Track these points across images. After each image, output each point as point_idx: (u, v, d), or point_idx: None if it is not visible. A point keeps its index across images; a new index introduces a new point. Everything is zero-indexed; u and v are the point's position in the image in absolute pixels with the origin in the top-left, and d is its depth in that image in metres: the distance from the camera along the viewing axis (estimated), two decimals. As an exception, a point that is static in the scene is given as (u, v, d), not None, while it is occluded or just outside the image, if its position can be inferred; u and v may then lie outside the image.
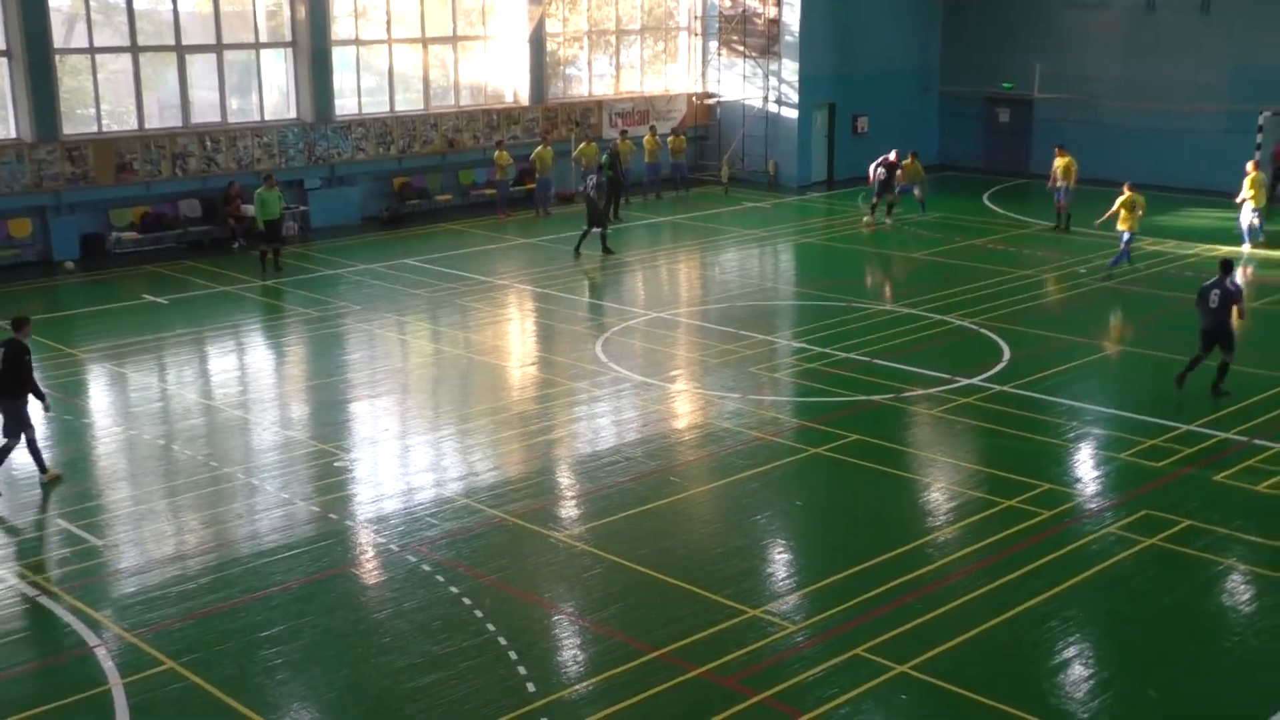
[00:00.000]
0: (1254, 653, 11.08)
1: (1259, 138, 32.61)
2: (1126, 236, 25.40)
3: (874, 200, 30.44)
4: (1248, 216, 27.45)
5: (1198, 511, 13.80)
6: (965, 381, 18.33)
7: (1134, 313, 22.67)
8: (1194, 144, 34.11)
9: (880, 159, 30.61)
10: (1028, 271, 25.58)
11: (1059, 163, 29.24)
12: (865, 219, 30.19)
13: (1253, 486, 14.43)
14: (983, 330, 21.13)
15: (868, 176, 30.96)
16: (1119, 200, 25.59)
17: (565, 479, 15.14)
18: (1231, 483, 14.58)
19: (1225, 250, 27.12)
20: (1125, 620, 11.66)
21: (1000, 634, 11.30)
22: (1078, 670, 10.79)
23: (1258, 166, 27.97)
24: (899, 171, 30.47)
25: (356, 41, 31.09)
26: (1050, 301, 23.57)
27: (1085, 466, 15.42)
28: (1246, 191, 27.28)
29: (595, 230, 27.11)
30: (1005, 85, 37.78)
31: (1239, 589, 12.28)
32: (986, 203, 33.32)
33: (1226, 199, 31.90)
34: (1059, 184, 29.26)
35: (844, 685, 10.46)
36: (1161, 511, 13.76)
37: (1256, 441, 15.79)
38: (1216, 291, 17.41)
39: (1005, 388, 18.08)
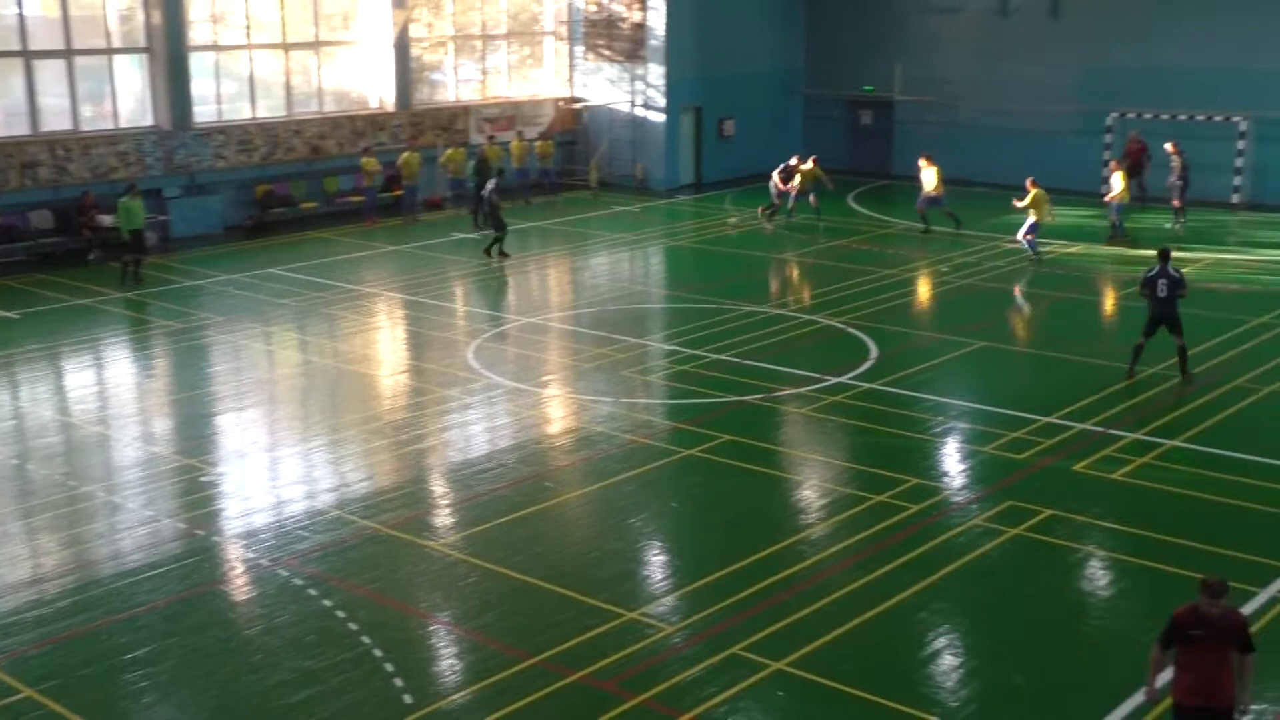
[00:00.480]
0: (1114, 635, 11.43)
1: (1107, 138, 33.73)
2: (1032, 225, 26.48)
3: (774, 204, 30.48)
4: (1115, 213, 28.47)
5: (1058, 501, 14.18)
6: (834, 380, 18.60)
7: (995, 309, 23.23)
8: (1047, 144, 35.08)
9: (783, 165, 30.65)
10: (892, 271, 26.07)
11: (930, 171, 29.42)
12: (766, 225, 30.08)
13: (1108, 475, 14.89)
14: (850, 329, 21.45)
15: (770, 182, 30.73)
16: (1031, 195, 26.46)
17: (439, 487, 15.00)
18: (1089, 472, 15.03)
19: (1079, 249, 27.98)
20: (993, 609, 11.94)
21: (873, 628, 11.49)
22: (948, 660, 11.02)
23: (1121, 166, 28.86)
24: (797, 177, 30.29)
25: (215, 47, 30.43)
26: (915, 300, 24.05)
27: (951, 460, 15.75)
28: (1116, 188, 28.20)
29: (502, 234, 27.12)
30: (867, 88, 38.46)
31: (1098, 574, 12.67)
32: (851, 204, 33.89)
33: (1079, 197, 32.95)
34: (933, 193, 29.45)
35: (722, 684, 10.53)
36: (1024, 502, 14.13)
37: (1111, 432, 16.30)
38: (1164, 280, 18.04)
39: (873, 385, 18.38)
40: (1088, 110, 34.49)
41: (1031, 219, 26.55)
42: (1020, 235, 26.88)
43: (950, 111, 37.12)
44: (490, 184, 27.56)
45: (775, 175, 30.62)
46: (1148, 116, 33.19)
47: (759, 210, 30.98)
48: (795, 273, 26.64)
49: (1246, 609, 11.48)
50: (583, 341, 20.96)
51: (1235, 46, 32.34)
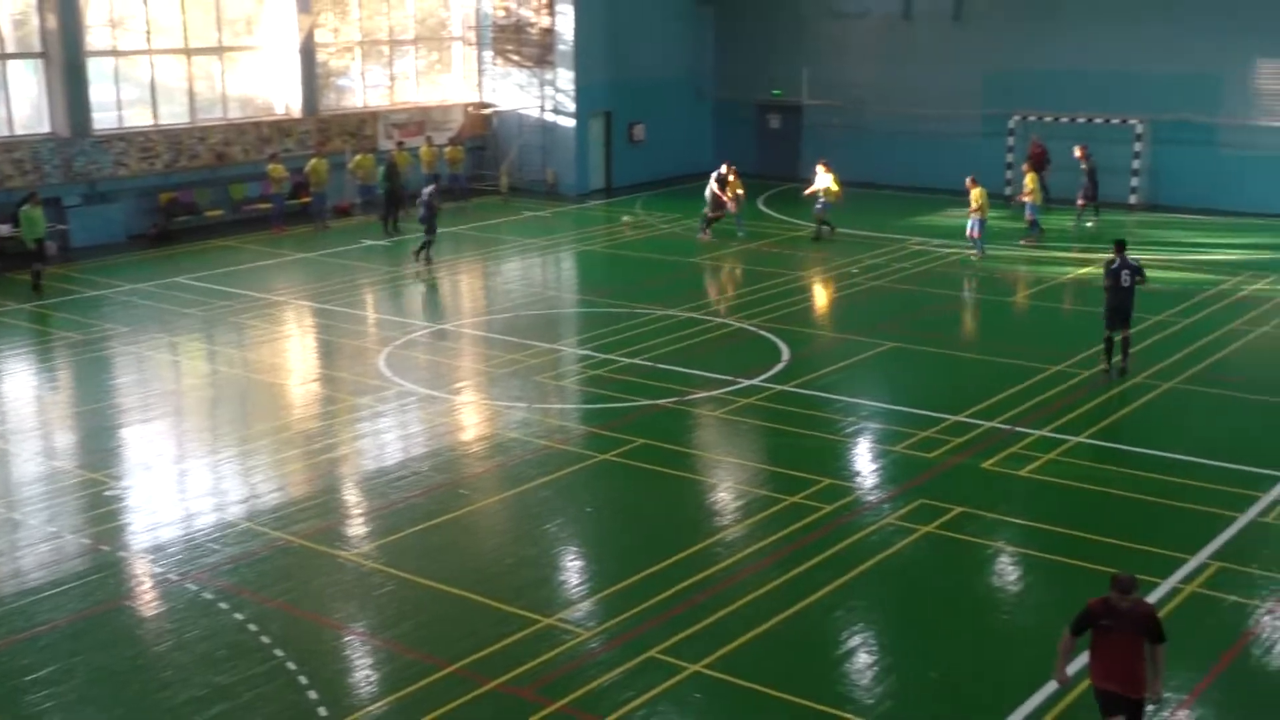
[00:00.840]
0: (1023, 629, 11.63)
1: (1010, 141, 34.28)
2: (980, 222, 27.10)
3: (709, 215, 29.63)
4: (1029, 213, 28.99)
5: (968, 498, 14.39)
6: (747, 382, 18.71)
7: (904, 309, 23.52)
8: (951, 147, 35.62)
9: (716, 174, 29.81)
10: (803, 273, 26.30)
11: (826, 177, 29.65)
12: (703, 235, 29.49)
13: (1016, 472, 15.15)
14: (762, 332, 21.58)
15: (706, 192, 29.91)
16: (977, 194, 27.07)
17: (352, 497, 14.84)
18: (997, 469, 15.27)
19: (986, 247, 28.47)
20: (906, 606, 12.08)
21: (789, 628, 11.57)
22: (864, 658, 11.13)
23: (1031, 167, 29.26)
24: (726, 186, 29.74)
25: (114, 52, 29.81)
26: (826, 302, 24.28)
27: (863, 460, 15.92)
28: (1027, 190, 28.71)
29: (432, 238, 27.14)
30: (775, 92, 38.76)
31: (1007, 570, 12.88)
32: (762, 207, 34.13)
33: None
34: (827, 198, 29.72)
35: (639, 688, 10.53)
36: (935, 500, 14.32)
37: (1018, 429, 16.59)
38: (1127, 271, 18.51)
39: (785, 387, 18.52)
40: (991, 114, 35.07)
41: (977, 217, 27.17)
42: (969, 233, 27.43)
43: (857, 115, 37.54)
44: (429, 189, 27.63)
45: (712, 184, 29.75)
46: (1048, 119, 33.85)
47: (700, 228, 29.85)
48: (707, 276, 26.75)
49: (1151, 597, 11.75)
50: (495, 347, 20.88)
51: (1131, 51, 33.10)
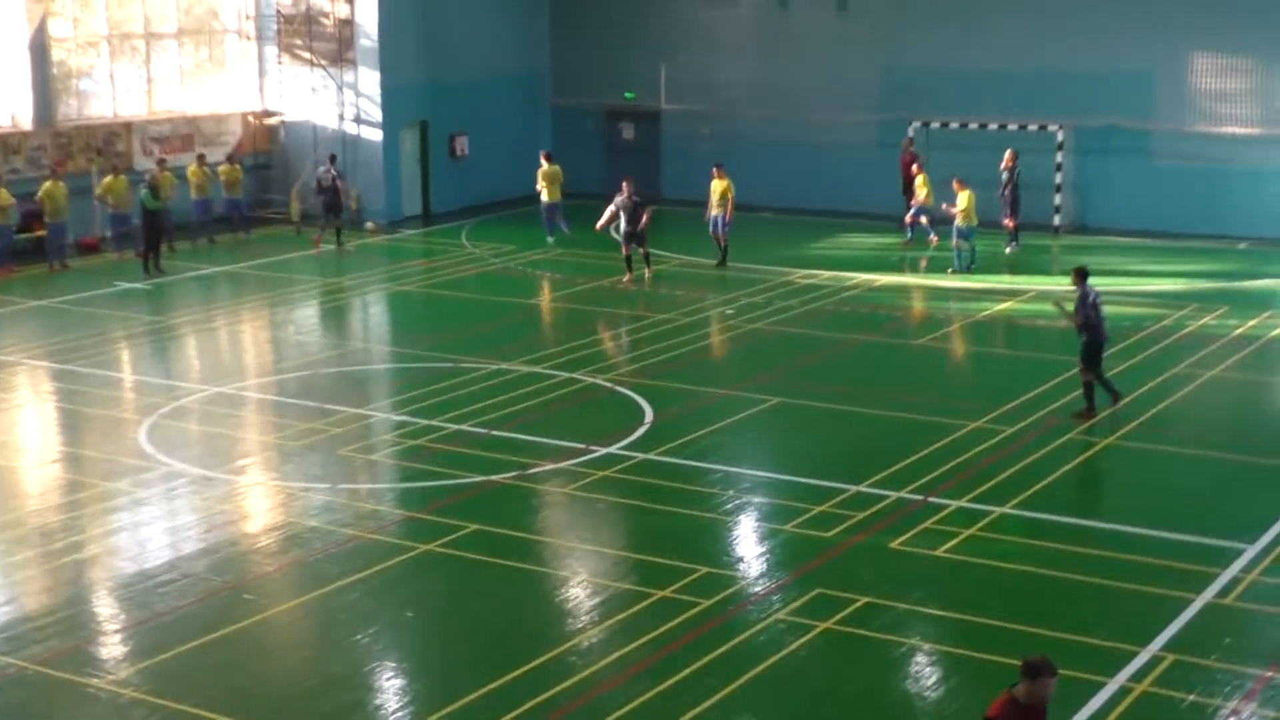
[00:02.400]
0: (947, 744, 11.77)
1: (904, 150, 34.63)
2: (965, 231, 28.65)
3: (625, 253, 28.94)
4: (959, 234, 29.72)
5: (874, 585, 14.54)
6: (603, 451, 18.70)
7: (789, 356, 23.80)
8: (842, 159, 36.32)
9: (617, 196, 29.23)
10: (667, 315, 26.45)
11: (717, 186, 30.40)
12: (625, 279, 28.91)
13: (931, 551, 15.36)
14: (619, 388, 21.65)
15: (604, 219, 29.46)
16: (965, 197, 28.49)
17: (105, 608, 14.41)
18: (908, 549, 15.47)
19: (887, 280, 29.02)
20: (806, 719, 12.15)
21: (662, 752, 11.53)
22: (754, 787, 11.12)
23: (963, 184, 29.65)
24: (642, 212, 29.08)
25: None
26: (695, 350, 24.42)
27: (747, 543, 16.01)
28: (961, 207, 29.48)
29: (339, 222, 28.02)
30: (627, 95, 39.15)
31: (924, 671, 13.03)
32: (615, 236, 34.32)
33: (879, 221, 34.22)
34: (714, 212, 30.35)
35: (479, 837, 10.37)
36: (835, 589, 14.43)
37: (931, 500, 16.83)
38: (1100, 298, 19.81)
39: (649, 455, 18.56)
40: (887, 120, 35.89)
41: (961, 224, 28.39)
42: (954, 241, 28.88)
43: (728, 122, 38.07)
44: (324, 168, 29.54)
45: (611, 210, 29.07)
46: (954, 125, 34.77)
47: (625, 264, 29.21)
48: (549, 321, 26.73)
49: (1095, 700, 12.00)
50: (289, 414, 20.62)
51: (1049, 47, 34.24)
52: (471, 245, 33.38)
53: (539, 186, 33.06)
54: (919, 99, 35.37)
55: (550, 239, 33.00)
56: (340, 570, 15.03)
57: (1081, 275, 19.99)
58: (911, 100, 35.46)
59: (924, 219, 31.82)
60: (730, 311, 26.72)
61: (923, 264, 29.68)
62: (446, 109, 37.28)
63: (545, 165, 33.12)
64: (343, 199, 33.10)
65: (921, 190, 31.76)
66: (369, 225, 34.63)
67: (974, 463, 18.16)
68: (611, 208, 28.93)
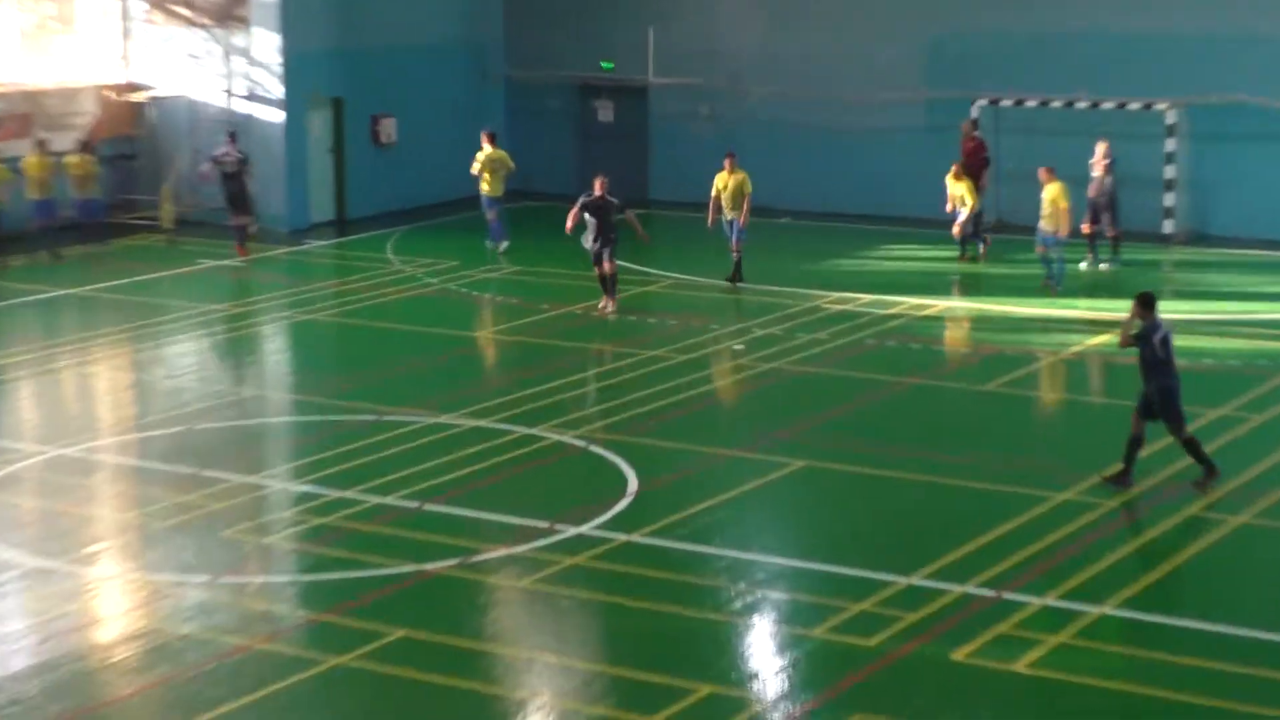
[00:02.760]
0: None
1: (965, 136, 34.54)
2: (1051, 240, 28.90)
3: (598, 272, 28.75)
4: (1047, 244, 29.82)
5: (932, 711, 14.30)
6: (572, 531, 18.50)
7: (817, 406, 23.63)
8: (881, 150, 36.25)
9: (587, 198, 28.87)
10: (657, 353, 26.28)
11: (728, 181, 30.08)
12: (602, 305, 28.73)
13: (1007, 665, 15.10)
14: (594, 448, 21.50)
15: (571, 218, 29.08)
16: (1054, 190, 28.61)
17: (-94, 745, 14.11)
18: (977, 662, 15.20)
19: (943, 305, 28.88)
20: None
21: None
22: None
23: (1052, 174, 29.74)
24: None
25: None
26: (693, 397, 24.26)
27: (763, 653, 15.78)
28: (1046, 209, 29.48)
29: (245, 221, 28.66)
30: (605, 66, 39.14)
31: (1005, 828, 12.77)
32: (587, 247, 34.19)
33: (928, 228, 34.10)
34: (728, 215, 30.05)
35: None
36: (881, 715, 14.17)
37: (1006, 597, 16.59)
38: (1173, 334, 19.73)
39: (633, 537, 18.35)
40: (938, 97, 35.92)
41: (1049, 227, 28.77)
42: (1039, 248, 29.20)
43: (733, 101, 38.10)
44: (222, 150, 31.27)
45: (576, 217, 28.78)
46: (1031, 104, 34.72)
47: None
48: (502, 359, 26.57)
49: None
50: (155, 483, 20.50)
51: (1154, 3, 34.20)
52: (400, 260, 33.35)
53: (477, 172, 33.29)
54: (980, 71, 35.39)
55: (491, 245, 33.30)
56: (222, 693, 14.79)
57: (1147, 304, 19.62)
58: (970, 72, 35.47)
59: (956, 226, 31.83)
60: (739, 346, 26.62)
61: (1052, 289, 29.46)
62: (368, 84, 37.33)
63: (487, 148, 33.29)
64: (249, 189, 33.35)
65: (966, 193, 31.62)
66: (252, 229, 34.47)
67: (1063, 546, 17.97)
68: (575, 208, 28.53)
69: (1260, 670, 14.98)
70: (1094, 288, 30.59)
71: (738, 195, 30.21)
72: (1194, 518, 18.88)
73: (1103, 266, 31.51)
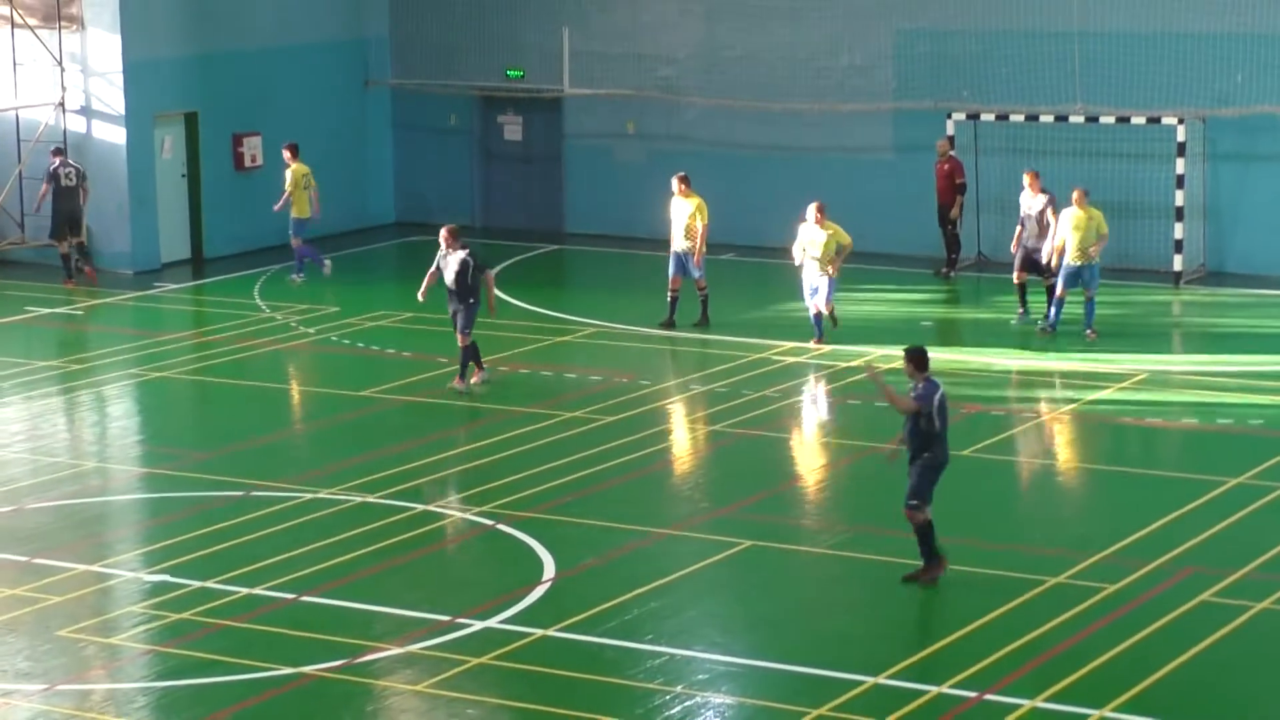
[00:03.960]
0: None
1: (941, 157, 34.84)
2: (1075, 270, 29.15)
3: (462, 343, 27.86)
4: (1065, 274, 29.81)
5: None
6: (478, 625, 18.58)
7: (767, 476, 23.85)
8: (843, 172, 36.42)
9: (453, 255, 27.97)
10: (576, 414, 26.41)
11: (684, 206, 30.36)
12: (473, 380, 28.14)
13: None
14: (502, 527, 21.61)
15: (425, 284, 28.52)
16: (1076, 218, 28.95)
17: None
18: (959, 777, 15.50)
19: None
20: None
21: None
22: None
23: (1084, 199, 29.89)
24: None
25: None
26: (622, 465, 24.39)
27: (705, 770, 15.95)
28: (1069, 236, 29.63)
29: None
30: (511, 73, 39.21)
31: None
32: (500, 294, 34.30)
33: (898, 267, 34.38)
34: (683, 245, 30.25)
35: None
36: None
37: (989, 698, 16.72)
38: (946, 401, 19.43)
39: (550, 631, 18.44)
40: (908, 109, 36.26)
41: (1075, 261, 29.16)
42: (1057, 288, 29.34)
43: (665, 116, 38.22)
44: (56, 164, 32.48)
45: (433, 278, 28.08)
46: (1016, 118, 35.01)
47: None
48: (391, 423, 26.57)
49: None
50: (-21, 574, 20.43)
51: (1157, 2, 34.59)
52: (269, 306, 33.36)
53: (289, 191, 34.23)
54: (952, 78, 35.82)
55: (298, 278, 34.19)
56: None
57: (919, 362, 19.48)
58: (947, 81, 35.81)
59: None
60: (693, 386, 26.72)
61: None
62: (227, 96, 37.39)
63: (291, 163, 34.05)
64: (82, 208, 33.84)
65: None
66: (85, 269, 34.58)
67: (1057, 639, 18.15)
68: (432, 268, 27.87)
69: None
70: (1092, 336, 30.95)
71: (691, 224, 30.48)
72: (1207, 604, 19.02)
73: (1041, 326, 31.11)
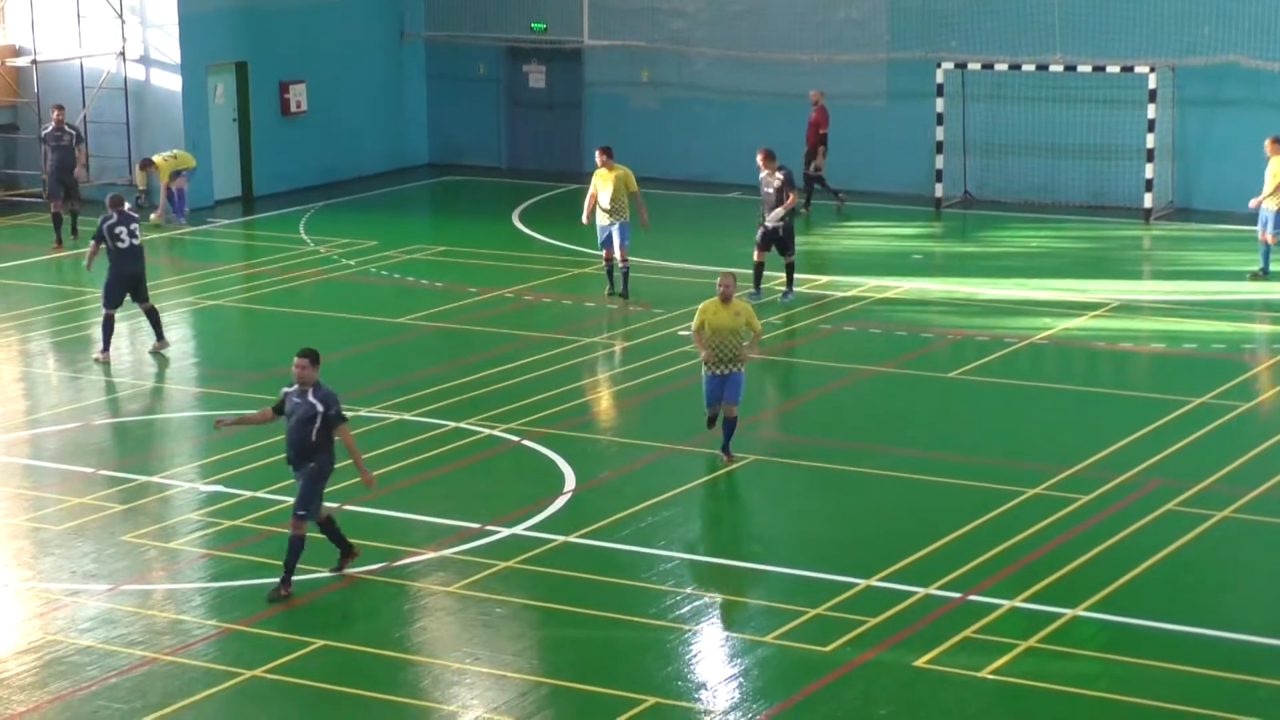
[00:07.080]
0: None
1: (939, 104, 34.94)
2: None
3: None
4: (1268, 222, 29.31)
5: (895, 721, 14.51)
6: (505, 532, 18.65)
7: (769, 397, 23.94)
8: (844, 121, 36.28)
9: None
10: (597, 339, 26.44)
11: (607, 178, 28.49)
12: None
13: (974, 672, 15.31)
14: (527, 443, 21.64)
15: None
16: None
17: None
18: (941, 668, 15.41)
19: (907, 286, 29.03)
20: None
21: None
22: None
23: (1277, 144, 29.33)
24: None
25: None
26: (637, 387, 24.42)
27: (711, 661, 15.94)
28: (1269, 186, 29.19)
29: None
30: (535, 26, 39.08)
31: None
32: (518, 225, 34.24)
33: (892, 203, 34.32)
34: (607, 218, 28.41)
35: None
36: (838, 727, 14.42)
37: (973, 598, 16.83)
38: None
39: (571, 538, 18.50)
40: (901, 58, 36.13)
41: (1274, 208, 28.46)
42: (1263, 233, 28.82)
43: (678, 65, 38.07)
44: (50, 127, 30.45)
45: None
46: (1001, 68, 34.91)
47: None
48: (426, 348, 26.55)
49: None
50: (48, 484, 20.45)
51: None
52: (314, 240, 33.36)
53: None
54: (943, 31, 35.65)
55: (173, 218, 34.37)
56: (125, 710, 14.82)
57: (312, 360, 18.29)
58: (936, 33, 35.68)
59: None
60: (685, 333, 26.67)
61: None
62: (274, 46, 37.28)
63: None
64: (79, 166, 33.32)
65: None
66: (153, 217, 34.12)
67: (1034, 545, 18.20)
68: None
69: (1244, 675, 15.21)
70: (1072, 267, 30.88)
71: (620, 195, 28.40)
72: (1173, 513, 19.07)
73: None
